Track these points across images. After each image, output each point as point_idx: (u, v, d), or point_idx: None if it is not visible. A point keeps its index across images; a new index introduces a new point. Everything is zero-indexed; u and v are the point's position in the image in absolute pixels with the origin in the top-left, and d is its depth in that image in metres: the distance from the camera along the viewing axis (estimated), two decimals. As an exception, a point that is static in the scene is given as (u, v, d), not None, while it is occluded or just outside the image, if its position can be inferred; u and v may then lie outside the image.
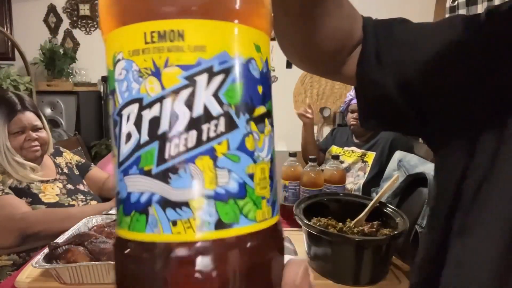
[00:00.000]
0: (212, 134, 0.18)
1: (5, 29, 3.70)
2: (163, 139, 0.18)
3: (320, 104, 3.89)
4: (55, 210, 1.24)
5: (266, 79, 0.20)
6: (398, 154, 1.33)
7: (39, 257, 0.84)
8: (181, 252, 0.18)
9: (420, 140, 2.87)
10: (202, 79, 0.18)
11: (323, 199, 1.07)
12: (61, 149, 1.56)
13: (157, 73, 0.18)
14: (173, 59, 0.18)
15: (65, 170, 1.45)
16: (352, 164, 1.68)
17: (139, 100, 0.18)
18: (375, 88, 0.49)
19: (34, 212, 1.21)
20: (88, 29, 3.85)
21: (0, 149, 1.23)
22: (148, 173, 0.18)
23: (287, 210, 1.27)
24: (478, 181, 0.42)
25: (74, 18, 3.82)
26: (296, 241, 1.03)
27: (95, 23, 3.83)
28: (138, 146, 0.18)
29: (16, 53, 3.63)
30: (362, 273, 0.84)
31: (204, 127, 0.18)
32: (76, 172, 1.51)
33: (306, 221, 0.88)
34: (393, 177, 1.00)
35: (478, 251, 0.42)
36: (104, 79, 3.75)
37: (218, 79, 0.18)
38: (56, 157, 1.48)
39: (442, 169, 0.49)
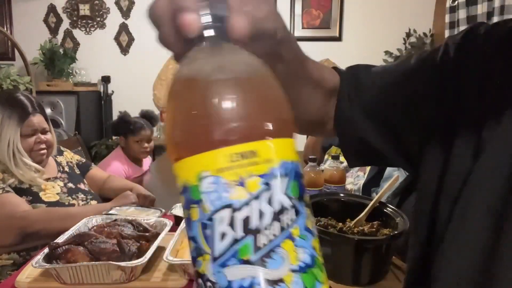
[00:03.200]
0: (289, 222, 0.24)
1: (5, 29, 3.70)
2: (256, 232, 0.23)
3: (320, 104, 3.89)
4: (55, 209, 1.25)
5: (302, 173, 0.28)
6: (398, 154, 1.33)
7: (39, 257, 0.84)
8: None
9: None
10: (275, 183, 0.24)
11: (323, 199, 1.07)
12: (62, 148, 1.56)
13: (242, 183, 0.23)
14: (253, 171, 0.24)
15: (66, 169, 1.46)
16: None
17: (230, 205, 0.23)
18: (351, 128, 0.53)
19: (34, 211, 1.21)
20: (88, 29, 3.85)
21: (9, 150, 1.23)
22: (247, 262, 0.23)
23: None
24: (453, 196, 0.44)
25: (74, 18, 3.82)
26: (296, 241, 1.04)
27: (95, 23, 3.83)
28: (235, 241, 0.23)
29: (16, 53, 3.63)
30: (362, 273, 0.84)
31: (283, 217, 0.24)
32: (77, 171, 1.51)
33: (306, 221, 0.88)
34: (393, 177, 1.00)
35: (455, 265, 0.43)
36: (104, 79, 3.76)
37: (285, 180, 0.25)
38: (57, 156, 1.48)
39: (420, 186, 0.50)
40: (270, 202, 0.24)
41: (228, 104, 0.24)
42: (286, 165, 0.26)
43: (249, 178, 0.23)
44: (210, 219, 0.24)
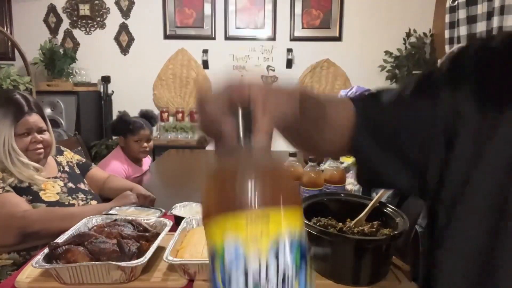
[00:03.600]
0: (292, 282, 0.31)
1: (5, 29, 3.70)
2: None
3: (320, 104, 3.89)
4: (56, 209, 1.24)
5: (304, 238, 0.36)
6: (398, 154, 1.33)
7: (39, 257, 0.84)
8: None
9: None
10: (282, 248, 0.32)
11: (323, 199, 1.07)
12: (62, 148, 1.56)
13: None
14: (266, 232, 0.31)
15: (66, 169, 1.46)
16: (352, 165, 1.68)
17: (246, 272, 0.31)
18: (366, 161, 0.60)
19: (34, 211, 1.21)
20: (88, 29, 3.85)
21: (5, 149, 1.23)
22: None
23: (287, 210, 1.27)
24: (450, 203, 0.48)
25: (74, 18, 3.82)
26: (296, 241, 1.03)
27: (95, 23, 3.83)
28: None
29: (16, 53, 3.63)
30: (362, 273, 0.84)
31: (287, 278, 0.31)
32: (77, 171, 1.51)
33: (306, 221, 0.88)
34: None
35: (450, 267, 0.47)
36: (104, 79, 3.75)
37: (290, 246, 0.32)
38: (57, 156, 1.48)
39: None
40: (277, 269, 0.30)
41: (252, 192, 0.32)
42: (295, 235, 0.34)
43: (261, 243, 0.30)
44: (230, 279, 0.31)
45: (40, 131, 1.33)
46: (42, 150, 1.33)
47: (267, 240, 0.29)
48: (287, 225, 0.32)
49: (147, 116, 2.23)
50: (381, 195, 0.96)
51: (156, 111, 3.89)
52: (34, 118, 1.31)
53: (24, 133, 1.28)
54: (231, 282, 0.30)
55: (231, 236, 0.30)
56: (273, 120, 0.39)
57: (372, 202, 0.95)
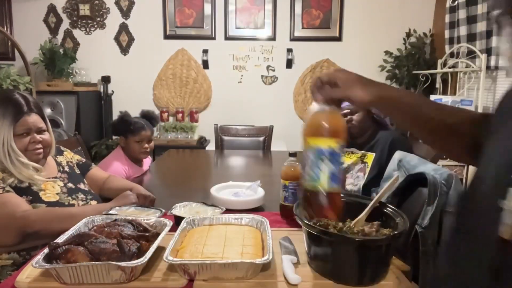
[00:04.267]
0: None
1: (5, 29, 3.70)
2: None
3: (320, 104, 3.89)
4: (56, 209, 1.24)
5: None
6: (398, 154, 1.32)
7: (39, 257, 0.84)
8: None
9: (420, 140, 2.87)
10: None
11: (323, 199, 1.07)
12: (62, 148, 1.56)
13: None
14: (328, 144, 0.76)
15: (66, 169, 1.45)
16: (352, 165, 1.68)
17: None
18: None
19: (34, 211, 1.21)
20: (88, 29, 3.85)
21: (4, 150, 1.23)
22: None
23: (287, 210, 1.27)
24: None
25: (74, 18, 3.82)
26: (296, 241, 1.03)
27: (95, 23, 3.84)
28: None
29: (16, 53, 3.63)
30: (362, 273, 0.84)
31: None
32: (77, 171, 1.51)
33: (306, 221, 0.88)
34: (393, 177, 0.99)
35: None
36: (104, 79, 3.76)
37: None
38: (57, 156, 1.48)
39: None
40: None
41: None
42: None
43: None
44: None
45: (40, 131, 1.32)
46: (41, 150, 1.32)
47: (329, 146, 0.73)
48: (337, 143, 0.75)
49: (148, 116, 2.23)
50: (381, 195, 0.96)
51: (156, 111, 3.89)
52: (33, 118, 1.30)
53: (23, 133, 1.28)
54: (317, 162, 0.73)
55: (319, 144, 0.74)
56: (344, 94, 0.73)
57: (372, 202, 0.95)
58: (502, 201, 0.42)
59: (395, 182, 1.00)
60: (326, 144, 0.72)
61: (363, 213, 0.95)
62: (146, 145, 2.11)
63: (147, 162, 2.25)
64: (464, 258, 0.46)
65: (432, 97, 3.13)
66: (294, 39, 3.82)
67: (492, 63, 2.75)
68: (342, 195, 0.85)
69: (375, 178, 1.51)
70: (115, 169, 1.98)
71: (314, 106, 0.76)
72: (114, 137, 3.62)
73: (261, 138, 3.14)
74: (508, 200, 0.41)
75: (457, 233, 0.47)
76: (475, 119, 0.71)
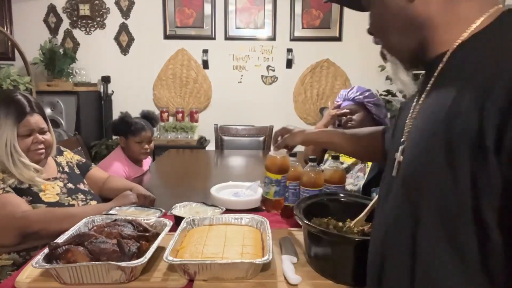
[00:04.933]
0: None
1: (5, 29, 3.70)
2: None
3: (320, 104, 3.89)
4: (56, 210, 1.24)
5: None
6: (398, 154, 1.32)
7: (39, 257, 0.84)
8: None
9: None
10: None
11: (323, 199, 1.07)
12: (62, 148, 1.56)
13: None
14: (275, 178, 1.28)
15: (66, 169, 1.45)
16: (352, 165, 1.68)
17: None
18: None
19: (34, 211, 1.21)
20: (88, 29, 3.85)
21: (7, 150, 1.23)
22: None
23: (287, 210, 1.27)
24: None
25: (74, 18, 3.82)
26: (296, 241, 1.03)
27: (95, 23, 3.84)
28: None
29: (16, 53, 3.63)
30: (362, 273, 0.84)
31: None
32: (77, 171, 1.51)
33: (306, 221, 0.88)
34: None
35: None
36: (104, 79, 3.76)
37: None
38: (57, 156, 1.48)
39: None
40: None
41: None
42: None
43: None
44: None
45: (42, 131, 1.33)
46: (43, 150, 1.33)
47: (275, 178, 1.22)
48: (281, 176, 1.23)
49: (148, 117, 2.23)
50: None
51: (156, 111, 3.89)
52: (36, 119, 1.31)
53: (26, 134, 1.28)
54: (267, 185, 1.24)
55: (270, 176, 1.22)
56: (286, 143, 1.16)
57: (372, 202, 0.95)
58: None
59: None
60: (274, 177, 1.23)
61: (363, 213, 0.95)
62: (146, 146, 2.11)
63: (147, 162, 2.25)
64: None
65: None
66: (294, 39, 3.82)
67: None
68: (284, 200, 1.29)
69: (375, 178, 1.51)
70: (115, 169, 1.98)
71: (272, 152, 1.23)
72: (114, 137, 3.62)
73: (261, 138, 3.14)
74: None
75: None
76: (380, 132, 1.04)
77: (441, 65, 0.57)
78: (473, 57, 0.53)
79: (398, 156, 0.63)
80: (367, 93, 1.71)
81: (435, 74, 0.58)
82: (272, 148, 1.22)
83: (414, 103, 0.64)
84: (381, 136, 1.01)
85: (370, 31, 0.70)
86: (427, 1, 0.57)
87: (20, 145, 1.26)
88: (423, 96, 0.61)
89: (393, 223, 0.60)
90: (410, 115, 0.64)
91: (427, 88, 0.60)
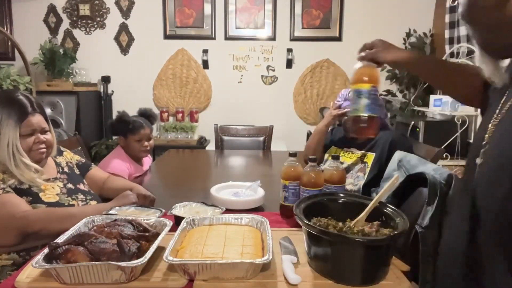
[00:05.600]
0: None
1: (5, 29, 3.70)
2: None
3: (320, 104, 3.89)
4: (56, 210, 1.24)
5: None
6: (398, 154, 1.32)
7: (39, 257, 0.84)
8: None
9: (420, 140, 2.87)
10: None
11: (323, 199, 1.07)
12: (62, 148, 1.56)
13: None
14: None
15: (66, 169, 1.45)
16: (351, 165, 1.68)
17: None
18: None
19: (34, 211, 1.21)
20: (88, 29, 3.85)
21: (9, 150, 1.23)
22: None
23: (287, 210, 1.27)
24: None
25: (74, 18, 3.82)
26: (296, 241, 1.03)
27: (95, 23, 3.84)
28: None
29: (16, 53, 3.63)
30: (362, 273, 0.84)
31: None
32: (77, 171, 1.51)
33: (306, 221, 0.88)
34: (393, 177, 0.99)
35: None
36: (104, 79, 3.75)
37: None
38: (57, 156, 1.48)
39: None
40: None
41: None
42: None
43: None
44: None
45: (43, 131, 1.33)
46: (44, 150, 1.33)
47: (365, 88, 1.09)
48: (371, 86, 1.09)
49: (146, 114, 2.22)
50: (381, 195, 0.96)
51: (156, 111, 3.89)
52: (37, 119, 1.31)
53: (28, 134, 1.29)
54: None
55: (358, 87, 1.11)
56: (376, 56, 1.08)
57: (372, 202, 0.95)
58: None
59: (395, 182, 1.00)
60: (363, 87, 1.08)
61: (363, 213, 0.95)
62: (146, 143, 2.11)
63: (147, 161, 2.25)
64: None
65: (432, 97, 3.13)
66: (294, 39, 3.82)
67: (492, 63, 2.75)
68: (379, 117, 1.17)
69: (375, 178, 1.51)
70: (118, 167, 1.97)
71: (357, 64, 1.14)
72: (114, 137, 3.62)
73: (261, 138, 3.14)
74: None
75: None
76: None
77: None
78: None
79: (480, 157, 0.63)
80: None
81: None
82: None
83: (502, 99, 0.66)
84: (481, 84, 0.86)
85: (465, 18, 0.70)
86: None
87: (22, 145, 1.26)
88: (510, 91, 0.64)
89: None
90: (498, 109, 0.65)
91: None
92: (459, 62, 1.01)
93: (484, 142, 0.62)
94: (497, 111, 0.64)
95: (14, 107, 1.27)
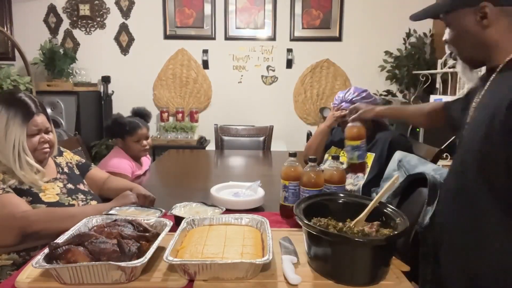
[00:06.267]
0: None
1: (5, 29, 3.70)
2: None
3: (320, 104, 3.89)
4: (56, 210, 1.24)
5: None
6: (398, 154, 1.33)
7: (39, 257, 0.84)
8: None
9: (420, 140, 2.87)
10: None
11: (323, 199, 1.07)
12: (62, 148, 1.56)
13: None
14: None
15: (66, 170, 1.45)
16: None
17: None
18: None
19: (34, 211, 1.21)
20: (88, 29, 3.86)
21: (14, 150, 1.23)
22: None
23: (287, 210, 1.27)
24: None
25: (74, 18, 3.83)
26: (296, 241, 1.03)
27: (95, 23, 3.84)
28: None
29: (16, 53, 3.63)
30: (362, 273, 0.84)
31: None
32: (77, 171, 1.51)
33: (306, 221, 0.88)
34: (393, 177, 0.99)
35: None
36: (104, 79, 3.75)
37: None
38: (57, 157, 1.48)
39: None
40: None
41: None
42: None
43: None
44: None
45: (47, 131, 1.34)
46: (48, 150, 1.34)
47: (356, 144, 1.47)
48: (360, 142, 1.47)
49: (140, 114, 2.21)
50: (381, 195, 0.96)
51: (156, 111, 3.90)
52: (42, 118, 1.32)
53: (35, 133, 1.29)
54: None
55: (351, 144, 1.49)
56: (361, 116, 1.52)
57: (372, 202, 0.95)
58: None
59: (395, 182, 1.00)
60: (356, 143, 1.47)
61: (363, 213, 0.95)
62: (145, 143, 2.10)
63: (146, 161, 2.25)
64: None
65: (432, 97, 3.13)
66: (294, 39, 3.82)
67: (492, 63, 2.75)
68: (364, 162, 1.52)
69: (375, 178, 1.51)
70: (121, 165, 1.97)
71: (350, 124, 1.52)
72: (110, 140, 3.61)
73: (261, 138, 3.14)
74: None
75: None
76: (441, 107, 1.28)
77: (496, 72, 0.86)
78: None
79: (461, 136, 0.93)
80: (364, 94, 1.72)
81: (492, 77, 0.87)
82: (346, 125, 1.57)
83: (476, 98, 0.91)
84: (441, 110, 1.26)
85: (446, 41, 0.96)
86: (497, 31, 0.85)
87: (27, 145, 1.27)
88: (482, 92, 0.89)
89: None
90: (473, 104, 0.91)
91: (486, 87, 0.88)
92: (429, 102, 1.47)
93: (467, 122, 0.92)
94: (475, 98, 0.91)
95: (19, 107, 1.27)
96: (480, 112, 0.85)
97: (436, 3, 0.98)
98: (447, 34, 0.95)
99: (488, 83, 0.87)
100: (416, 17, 1.00)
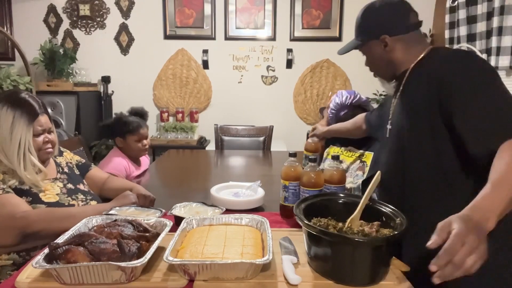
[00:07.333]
0: None
1: (5, 29, 3.70)
2: None
3: (320, 104, 3.89)
4: (56, 210, 1.24)
5: None
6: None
7: (39, 257, 0.84)
8: None
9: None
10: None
11: (323, 199, 1.07)
12: (62, 148, 1.56)
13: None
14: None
15: (66, 170, 1.46)
16: (350, 164, 1.68)
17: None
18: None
19: (34, 211, 1.21)
20: (88, 29, 3.85)
21: (20, 150, 1.24)
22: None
23: (287, 210, 1.27)
24: None
25: (74, 18, 3.82)
26: (296, 241, 1.04)
27: (95, 23, 3.84)
28: None
29: (16, 53, 3.63)
30: (362, 273, 0.84)
31: None
32: (77, 171, 1.51)
33: (306, 221, 0.88)
34: (376, 174, 1.01)
35: None
36: (104, 79, 3.75)
37: None
38: (57, 157, 1.48)
39: None
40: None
41: None
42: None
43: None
44: None
45: (49, 131, 1.35)
46: (51, 150, 1.36)
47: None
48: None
49: (140, 113, 2.22)
50: (369, 191, 1.00)
51: (156, 111, 3.90)
52: (46, 118, 1.33)
53: (40, 133, 1.30)
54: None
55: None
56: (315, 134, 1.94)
57: (362, 199, 0.97)
58: None
59: (379, 178, 1.02)
60: (311, 154, 1.69)
61: (357, 210, 0.96)
62: (145, 142, 2.11)
63: (145, 161, 2.25)
64: None
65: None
66: (294, 39, 3.82)
67: (492, 63, 2.75)
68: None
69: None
70: (115, 166, 1.97)
71: (309, 139, 1.88)
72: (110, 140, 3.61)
73: (261, 138, 3.14)
74: None
75: None
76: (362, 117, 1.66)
77: (405, 78, 1.13)
78: (419, 71, 1.08)
79: (389, 125, 1.19)
80: (358, 96, 1.94)
81: (403, 82, 1.13)
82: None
83: (393, 99, 1.19)
84: (363, 121, 1.63)
85: (366, 65, 1.27)
86: (397, 52, 1.13)
87: (33, 145, 1.28)
88: (398, 94, 1.15)
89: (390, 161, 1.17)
90: (392, 103, 1.19)
91: (400, 89, 1.14)
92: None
93: (390, 117, 1.19)
94: (392, 103, 1.19)
95: (25, 107, 1.28)
96: (402, 102, 1.12)
97: (353, 40, 1.33)
98: (366, 61, 1.26)
99: (401, 87, 1.13)
100: (341, 51, 1.34)
